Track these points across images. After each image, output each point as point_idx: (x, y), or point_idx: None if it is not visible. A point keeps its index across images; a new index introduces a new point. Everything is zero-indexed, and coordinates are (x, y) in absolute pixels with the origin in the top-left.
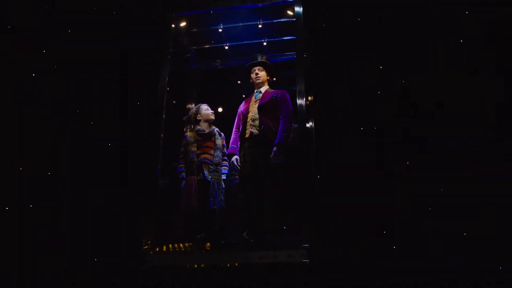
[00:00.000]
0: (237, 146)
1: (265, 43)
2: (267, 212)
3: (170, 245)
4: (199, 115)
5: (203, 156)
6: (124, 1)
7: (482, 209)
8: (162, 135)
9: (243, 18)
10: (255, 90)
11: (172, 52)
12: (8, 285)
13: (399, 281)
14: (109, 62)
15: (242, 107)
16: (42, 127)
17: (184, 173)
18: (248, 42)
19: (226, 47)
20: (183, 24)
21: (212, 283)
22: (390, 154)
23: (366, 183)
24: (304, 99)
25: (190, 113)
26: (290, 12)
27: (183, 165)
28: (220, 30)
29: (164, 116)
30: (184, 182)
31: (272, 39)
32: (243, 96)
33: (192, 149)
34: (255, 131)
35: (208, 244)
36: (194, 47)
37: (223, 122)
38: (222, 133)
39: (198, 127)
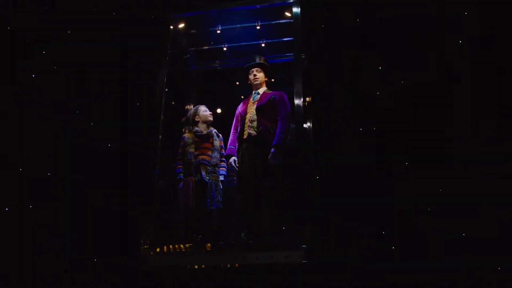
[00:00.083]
0: (235, 147)
1: (263, 45)
2: (265, 213)
3: (171, 246)
4: (197, 117)
5: (200, 157)
6: (123, 3)
7: (482, 210)
8: (160, 136)
9: (241, 19)
10: (253, 92)
11: (170, 53)
12: (8, 285)
13: (398, 281)
14: (108, 63)
15: (240, 108)
16: (42, 127)
17: (182, 174)
18: (247, 43)
19: (225, 48)
20: (181, 25)
21: (210, 283)
22: (389, 155)
23: (365, 184)
24: (302, 99)
25: (189, 115)
26: (288, 14)
27: (181, 166)
28: (218, 32)
29: (162, 117)
30: (181, 183)
31: (270, 40)
32: (242, 97)
33: (190, 150)
34: (253, 132)
35: (209, 244)
36: (193, 48)
37: (222, 123)
38: (220, 135)
39: (196, 128)
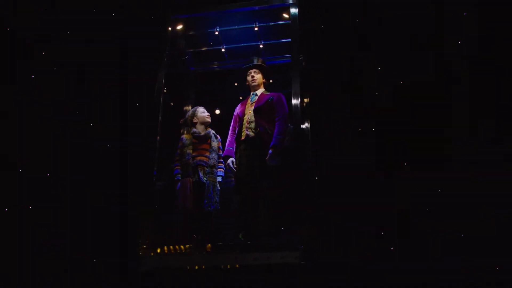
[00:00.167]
0: (233, 148)
1: (261, 46)
2: (262, 214)
3: (170, 247)
4: (195, 118)
5: (198, 158)
6: (122, 3)
7: (481, 210)
8: (158, 137)
9: (240, 21)
10: (251, 93)
11: (169, 54)
12: (8, 285)
13: (398, 281)
14: (107, 63)
15: (238, 109)
16: (42, 127)
17: (179, 175)
18: (245, 44)
19: (223, 50)
20: (180, 26)
21: (208, 284)
22: (388, 155)
23: (364, 184)
24: (300, 100)
25: (187, 116)
26: (286, 15)
27: (179, 167)
28: (216, 33)
29: (160, 118)
30: (179, 184)
31: (268, 42)
32: (240, 98)
33: (188, 151)
34: (251, 133)
35: (209, 245)
36: (191, 50)
37: (220, 124)
38: (218, 136)
39: (194, 129)
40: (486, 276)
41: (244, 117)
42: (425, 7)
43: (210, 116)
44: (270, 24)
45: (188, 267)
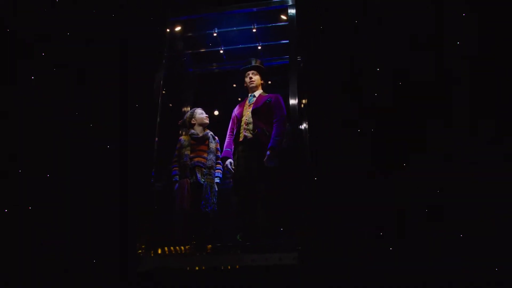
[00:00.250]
0: (231, 149)
1: (259, 47)
2: (260, 215)
3: (169, 248)
4: (193, 119)
5: (196, 159)
6: (122, 3)
7: (481, 210)
8: (156, 139)
9: (238, 22)
10: (249, 94)
11: (167, 56)
12: (8, 285)
13: (397, 282)
14: (107, 64)
15: (236, 111)
16: (42, 127)
17: (177, 176)
18: (243, 46)
19: (221, 51)
20: (178, 28)
21: (206, 285)
22: (388, 155)
23: (363, 185)
24: (298, 101)
25: (185, 117)
26: (284, 17)
27: (177, 168)
28: (215, 34)
29: (158, 119)
30: (177, 185)
31: (266, 43)
32: (239, 99)
33: (186, 152)
34: (249, 135)
35: (210, 246)
36: (190, 51)
37: (218, 125)
38: (216, 137)
39: (192, 131)
40: (486, 276)
41: (242, 119)
42: (425, 7)
43: (209, 117)
44: (268, 25)
45: (187, 268)
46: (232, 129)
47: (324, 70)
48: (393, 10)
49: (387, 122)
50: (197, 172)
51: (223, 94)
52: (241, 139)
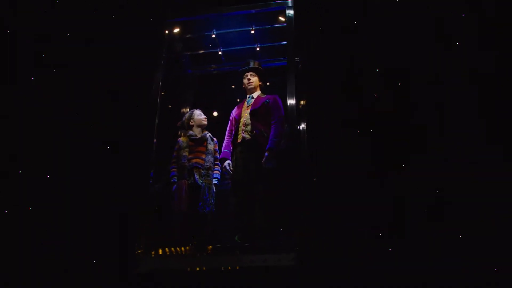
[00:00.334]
0: (230, 151)
1: (258, 49)
2: (259, 216)
3: (166, 249)
4: (192, 121)
5: (194, 160)
6: (122, 3)
7: (481, 210)
8: (155, 140)
9: (236, 24)
10: (247, 96)
11: (166, 57)
12: (8, 285)
13: (397, 282)
14: (106, 65)
15: (234, 112)
16: (42, 127)
17: (175, 177)
18: (242, 47)
19: (220, 53)
20: (177, 29)
21: (205, 285)
22: (387, 155)
23: (362, 185)
24: (295, 102)
25: (184, 119)
26: (282, 18)
27: (175, 169)
28: (213, 36)
29: (157, 120)
30: (175, 186)
31: (265, 44)
32: (238, 100)
33: (184, 153)
34: (247, 136)
35: (208, 247)
36: (189, 53)
37: (217, 126)
38: (214, 138)
39: (191, 132)
40: (486, 276)
41: (241, 120)
42: (423, 7)
43: (207, 118)
44: (267, 27)
45: (185, 269)
46: (230, 130)
47: (322, 70)
48: (392, 10)
49: (386, 122)
50: (195, 173)
51: (222, 95)
52: (239, 140)
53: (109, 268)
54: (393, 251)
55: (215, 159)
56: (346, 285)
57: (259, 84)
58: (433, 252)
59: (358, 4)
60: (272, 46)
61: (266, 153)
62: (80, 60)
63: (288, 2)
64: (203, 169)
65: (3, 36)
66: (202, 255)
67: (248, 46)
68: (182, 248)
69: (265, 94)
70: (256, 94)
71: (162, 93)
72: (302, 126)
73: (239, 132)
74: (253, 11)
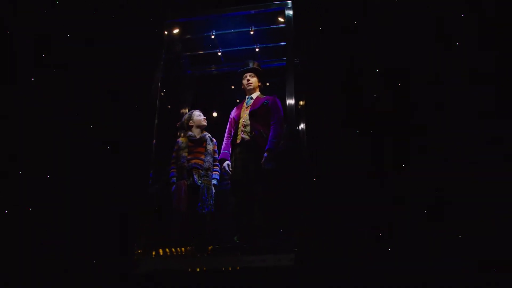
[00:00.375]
0: (229, 151)
1: (257, 49)
2: (258, 217)
3: (166, 249)
4: (191, 121)
5: (193, 161)
6: (122, 3)
7: (481, 210)
8: (154, 141)
9: (236, 24)
10: (247, 96)
11: (165, 58)
12: (8, 285)
13: (397, 282)
14: (106, 65)
15: (233, 113)
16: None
17: (175, 178)
18: (241, 48)
19: (219, 53)
20: (176, 30)
21: (204, 286)
22: (387, 156)
23: (362, 185)
24: (295, 102)
25: (183, 119)
26: (281, 19)
27: (174, 170)
28: (213, 37)
29: (156, 121)
30: (174, 186)
31: (264, 45)
32: (237, 101)
33: (183, 154)
34: (246, 137)
35: (207, 247)
36: (188, 53)
37: (217, 127)
38: (214, 139)
39: (190, 133)
40: (486, 276)
41: (240, 121)
42: (422, 8)
43: (207, 119)
44: (267, 27)
45: (185, 269)
46: (229, 131)
47: (321, 71)
48: (392, 10)
49: (386, 122)
50: (194, 173)
51: (222, 96)
52: (238, 141)
53: (109, 268)
54: (393, 251)
55: (214, 159)
56: (346, 285)
57: (259, 85)
58: (433, 252)
59: (358, 4)
60: (271, 47)
61: (265, 154)
62: (80, 60)
63: (287, 3)
64: (202, 170)
65: (3, 36)
66: (201, 255)
67: (247, 47)
68: (182, 249)
69: (264, 95)
70: (255, 94)
71: (162, 93)
72: (302, 126)
73: (238, 133)
74: (253, 12)
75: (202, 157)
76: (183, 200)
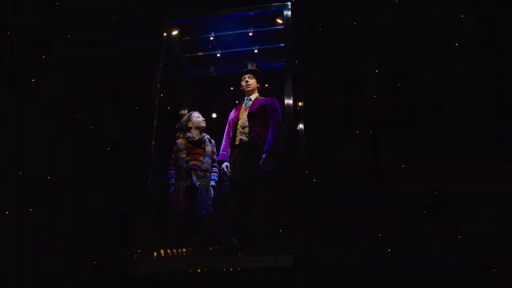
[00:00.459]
0: (228, 153)
1: (256, 51)
2: (256, 218)
3: (166, 250)
4: (190, 123)
5: (192, 162)
6: (118, 7)
7: (481, 210)
8: (153, 142)
9: (234, 26)
10: (245, 98)
11: (164, 59)
12: (8, 285)
13: (397, 282)
14: (106, 66)
15: (232, 114)
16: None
17: (173, 179)
18: (240, 49)
19: (218, 55)
20: (175, 32)
21: (204, 286)
22: (386, 156)
23: (362, 185)
24: (293, 103)
25: (182, 121)
26: (279, 20)
27: (173, 171)
28: (211, 38)
29: (155, 122)
30: (172, 187)
31: (263, 47)
32: (236, 102)
33: (182, 155)
34: (245, 138)
35: (205, 248)
36: (187, 55)
37: (215, 128)
38: (212, 140)
39: (189, 134)
40: (486, 276)
41: (238, 122)
42: (421, 8)
43: (205, 120)
44: (265, 29)
45: (183, 270)
46: (228, 132)
47: (321, 71)
48: (392, 10)
49: (386, 122)
50: (192, 175)
51: (221, 97)
52: (237, 142)
53: (109, 268)
54: (393, 251)
55: (213, 161)
56: (346, 285)
57: (257, 86)
58: (433, 252)
59: (358, 4)
60: (270, 48)
61: (264, 155)
62: (79, 60)
63: (287, 4)
64: (200, 171)
65: (3, 36)
66: (199, 256)
67: (246, 48)
68: (181, 250)
69: (263, 96)
70: (254, 96)
71: (161, 95)
72: (300, 126)
73: (237, 134)
74: (251, 13)
75: (201, 158)
76: (182, 201)
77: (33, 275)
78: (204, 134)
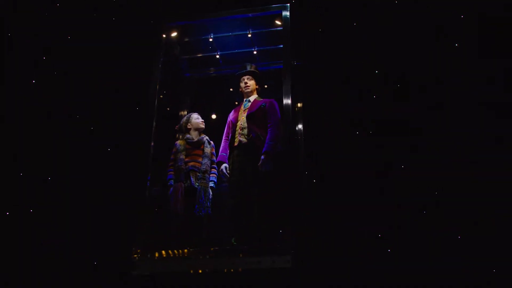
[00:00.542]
0: (227, 154)
1: (255, 52)
2: (255, 219)
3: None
4: (189, 124)
5: (191, 163)
6: (122, 3)
7: (481, 210)
8: (152, 143)
9: (233, 27)
10: (244, 99)
11: (164, 61)
12: (8, 285)
13: (397, 282)
14: (106, 66)
15: (231, 115)
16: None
17: (172, 180)
18: (239, 51)
19: (218, 56)
20: (174, 33)
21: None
22: (386, 156)
23: (362, 185)
24: (291, 103)
25: (181, 122)
26: (278, 22)
27: (172, 172)
28: (211, 40)
29: (154, 123)
30: (171, 189)
31: (262, 48)
32: (236, 103)
33: (181, 156)
34: (243, 139)
35: (204, 249)
36: (186, 56)
37: (215, 129)
38: (211, 142)
39: (188, 135)
40: (486, 276)
41: (237, 123)
42: (425, 7)
43: (205, 122)
44: (264, 30)
45: (182, 271)
46: (227, 133)
47: (321, 71)
48: (392, 10)
49: (386, 122)
50: (191, 176)
51: (220, 99)
52: (236, 143)
53: (108, 268)
54: (393, 251)
55: (212, 162)
56: (346, 285)
57: (256, 88)
58: (433, 252)
59: (358, 4)
60: (269, 50)
61: (263, 156)
62: (79, 61)
63: (286, 6)
64: (199, 172)
65: (3, 36)
66: (198, 257)
67: (245, 50)
68: (180, 250)
69: (262, 97)
70: (253, 97)
71: (161, 96)
72: (299, 127)
73: (236, 136)
74: (250, 15)
75: (200, 159)
76: (180, 202)
77: (33, 275)
78: (203, 135)
